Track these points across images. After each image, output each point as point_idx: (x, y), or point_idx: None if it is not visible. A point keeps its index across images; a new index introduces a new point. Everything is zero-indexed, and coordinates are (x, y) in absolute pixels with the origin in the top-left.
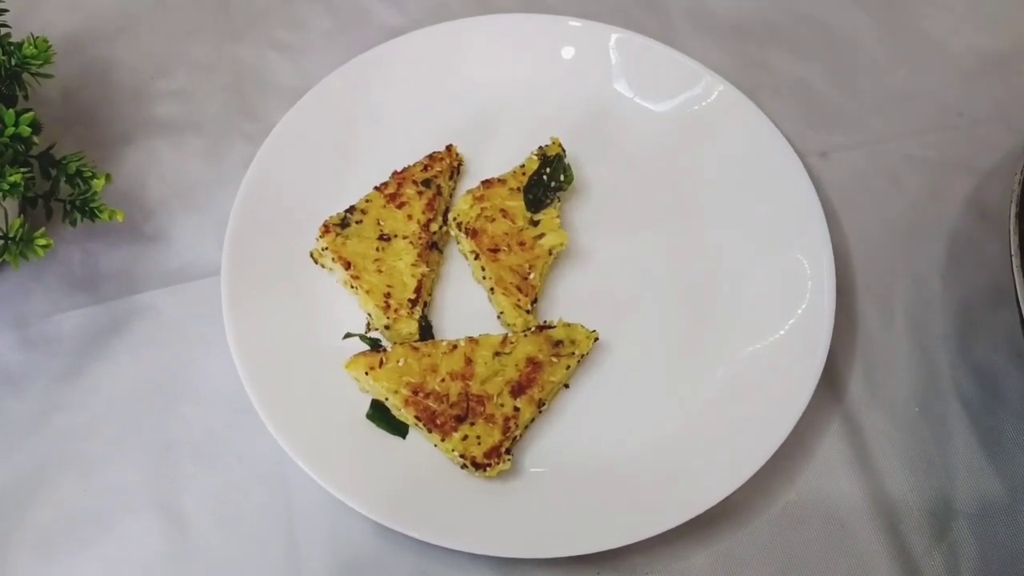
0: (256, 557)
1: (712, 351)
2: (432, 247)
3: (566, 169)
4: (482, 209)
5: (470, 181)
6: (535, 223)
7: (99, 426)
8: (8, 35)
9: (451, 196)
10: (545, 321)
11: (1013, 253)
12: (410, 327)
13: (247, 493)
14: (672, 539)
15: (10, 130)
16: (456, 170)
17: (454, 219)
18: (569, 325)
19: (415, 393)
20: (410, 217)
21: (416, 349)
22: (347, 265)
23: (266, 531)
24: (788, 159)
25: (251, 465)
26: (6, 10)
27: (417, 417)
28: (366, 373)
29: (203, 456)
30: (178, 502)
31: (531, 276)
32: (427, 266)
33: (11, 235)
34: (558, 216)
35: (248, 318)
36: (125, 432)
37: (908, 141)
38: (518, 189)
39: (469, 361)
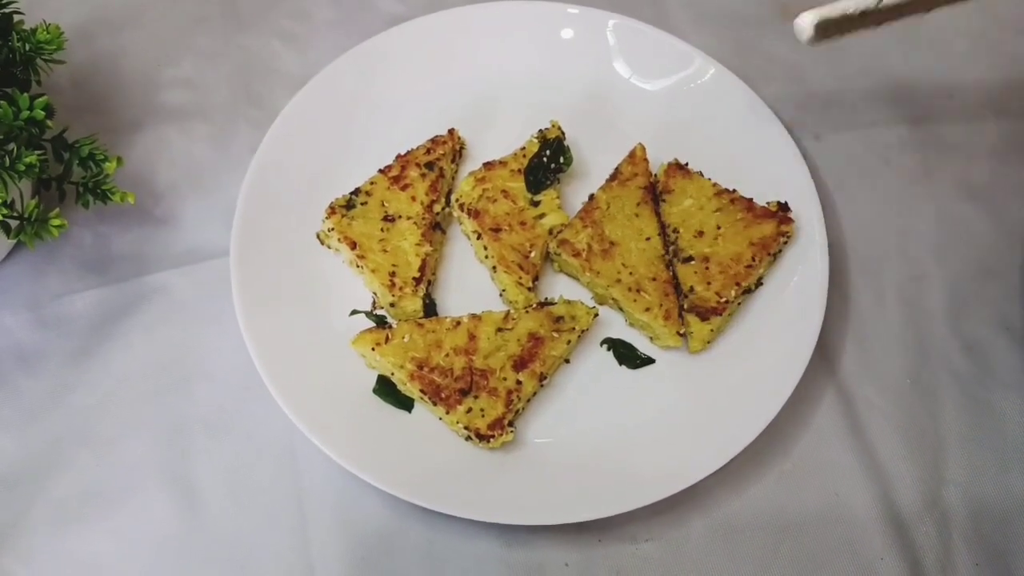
0: (267, 529)
1: None
2: (435, 227)
3: (565, 151)
4: (484, 190)
5: (472, 164)
6: (536, 204)
7: (112, 404)
8: (21, 22)
9: (453, 178)
10: (546, 298)
11: None
12: (415, 305)
13: (257, 467)
14: (671, 507)
15: (25, 114)
16: (458, 153)
17: (457, 200)
18: (570, 302)
19: (420, 368)
20: (414, 199)
21: (421, 326)
22: (353, 245)
23: (276, 504)
24: (782, 140)
25: (261, 440)
26: None
27: (422, 391)
28: (372, 349)
29: (214, 432)
30: (190, 477)
31: (532, 255)
32: (431, 246)
33: (27, 215)
34: (558, 197)
35: (257, 297)
36: (137, 409)
37: (899, 123)
38: (519, 171)
39: (472, 337)
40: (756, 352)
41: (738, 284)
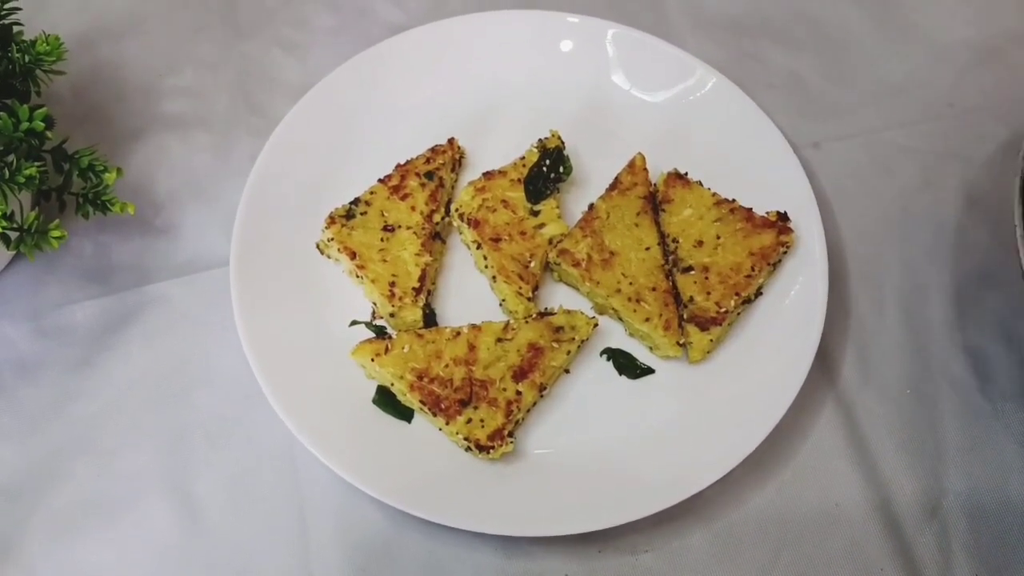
0: (267, 538)
1: None
2: (435, 237)
3: (565, 161)
4: (484, 200)
5: (471, 173)
6: (535, 213)
7: (112, 413)
8: (20, 33)
9: (453, 188)
10: (546, 308)
11: (1017, 223)
12: (414, 315)
13: (258, 476)
14: (671, 518)
15: (24, 125)
16: (458, 162)
17: (456, 210)
18: (570, 312)
19: (420, 378)
20: (413, 208)
21: (420, 336)
22: (352, 255)
23: (277, 513)
24: (782, 149)
25: (261, 449)
26: (18, 8)
27: (422, 402)
28: (372, 360)
29: (215, 441)
30: (190, 486)
31: (532, 265)
32: (430, 256)
33: (26, 227)
34: (558, 207)
35: (257, 307)
36: (138, 419)
37: (899, 132)
38: (519, 180)
39: (472, 347)
40: (756, 362)
41: (738, 294)
